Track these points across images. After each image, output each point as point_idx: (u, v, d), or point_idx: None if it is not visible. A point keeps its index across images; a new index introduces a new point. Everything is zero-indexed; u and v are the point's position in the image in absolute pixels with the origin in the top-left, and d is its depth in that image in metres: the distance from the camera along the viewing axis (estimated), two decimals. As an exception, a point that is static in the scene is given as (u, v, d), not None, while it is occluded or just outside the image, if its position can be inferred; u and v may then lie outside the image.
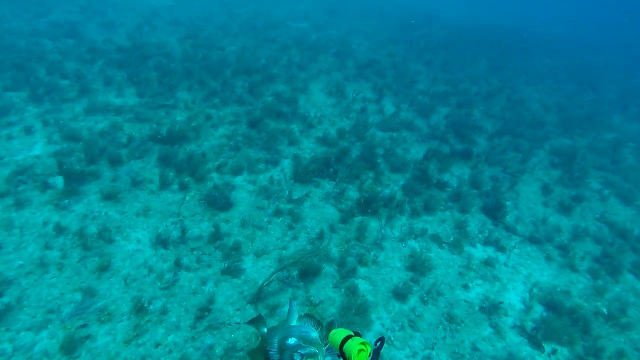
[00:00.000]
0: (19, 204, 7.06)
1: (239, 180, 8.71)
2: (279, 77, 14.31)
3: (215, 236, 7.04)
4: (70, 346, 5.05)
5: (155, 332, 5.41)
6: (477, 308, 6.58)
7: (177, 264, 6.45)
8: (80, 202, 7.40)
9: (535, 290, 7.09)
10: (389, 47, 20.76)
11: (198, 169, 8.57)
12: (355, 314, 6.07)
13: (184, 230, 7.03)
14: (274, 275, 6.35)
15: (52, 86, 11.14)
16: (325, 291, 6.43)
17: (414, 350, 5.75)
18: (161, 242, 6.80)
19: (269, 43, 18.76)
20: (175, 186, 8.17)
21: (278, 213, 7.84)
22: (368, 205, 8.21)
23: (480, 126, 12.97)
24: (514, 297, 6.94)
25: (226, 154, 9.49)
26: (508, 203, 9.26)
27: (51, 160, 8.25)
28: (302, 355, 2.46)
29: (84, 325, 5.36)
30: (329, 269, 6.81)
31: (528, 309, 6.74)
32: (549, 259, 8.01)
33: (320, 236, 7.41)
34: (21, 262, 6.09)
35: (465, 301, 6.67)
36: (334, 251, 7.15)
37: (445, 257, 7.53)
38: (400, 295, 6.51)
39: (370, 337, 5.85)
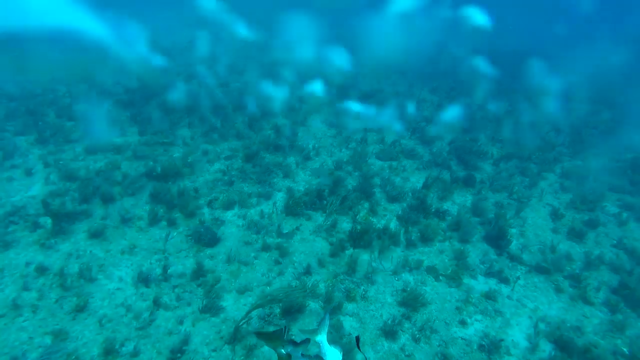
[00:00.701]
0: (6, 245, 7.09)
1: (229, 215, 8.59)
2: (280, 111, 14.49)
3: (198, 273, 6.83)
4: (33, 394, 4.81)
5: (125, 376, 5.13)
6: (475, 346, 6.01)
7: (156, 303, 6.23)
8: (67, 241, 7.40)
9: (541, 325, 6.45)
10: (394, 77, 20.93)
11: (189, 205, 8.52)
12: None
13: (165, 268, 6.85)
14: (254, 313, 6.03)
15: (57, 128, 11.59)
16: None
17: (403, 397, 5.21)
18: (143, 280, 6.63)
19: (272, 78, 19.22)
20: (164, 222, 8.10)
21: (266, 248, 7.60)
22: (361, 238, 7.88)
23: (486, 151, 12.58)
24: (517, 334, 6.33)
25: (219, 189, 9.45)
26: (513, 230, 8.73)
27: (48, 201, 8.38)
28: None
29: (49, 372, 5.14)
30: (314, 305, 6.44)
31: (534, 347, 6.11)
32: (558, 290, 7.36)
33: (307, 271, 7.09)
34: (-2, 304, 6.02)
35: (462, 339, 6.11)
36: (321, 287, 6.79)
37: (441, 290, 7.03)
38: (389, 333, 6.03)
39: (355, 381, 5.36)
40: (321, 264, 7.33)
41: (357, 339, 2.39)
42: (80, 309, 6.06)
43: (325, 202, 8.93)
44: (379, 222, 8.60)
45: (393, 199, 9.51)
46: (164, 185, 9.14)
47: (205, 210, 8.69)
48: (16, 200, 8.39)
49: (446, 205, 9.48)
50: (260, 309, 6.20)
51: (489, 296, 6.94)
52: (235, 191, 9.27)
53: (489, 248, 8.23)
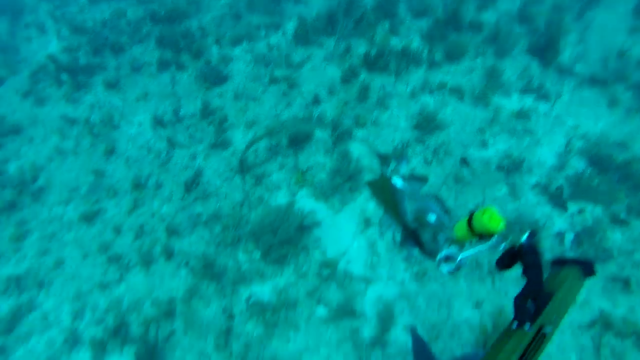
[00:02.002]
0: (41, 101, 7.66)
1: (237, 51, 8.08)
2: None
3: (207, 112, 6.92)
4: (89, 217, 5.84)
5: (151, 204, 5.92)
6: (493, 167, 5.72)
7: (171, 143, 6.62)
8: (88, 94, 7.76)
9: (578, 143, 5.80)
10: None
11: (195, 45, 8.10)
12: (346, 179, 5.77)
13: (177, 110, 7.02)
14: (262, 144, 6.20)
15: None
16: (316, 157, 6.13)
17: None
18: (159, 122, 6.95)
19: None
20: (172, 67, 7.94)
21: (273, 81, 7.27)
22: (375, 62, 7.07)
23: None
24: (546, 154, 5.82)
25: (227, 24, 8.70)
26: (570, 37, 7.14)
27: (63, 56, 8.53)
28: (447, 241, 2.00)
29: (97, 201, 6.08)
30: (321, 134, 6.37)
31: (562, 164, 5.64)
32: (612, 103, 6.29)
33: (316, 100, 6.79)
34: (47, 152, 6.87)
35: (479, 160, 5.81)
36: (329, 115, 6.57)
37: (464, 111, 6.42)
38: (400, 156, 5.91)
39: (361, 201, 5.60)
40: (331, 92, 6.92)
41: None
42: (110, 152, 6.71)
43: (338, 25, 7.86)
44: (400, 43, 7.53)
45: (420, 13, 8.04)
46: (169, 27, 8.62)
47: (214, 48, 8.24)
48: (39, 59, 8.65)
49: (486, 16, 7.82)
50: (267, 140, 6.31)
51: (521, 114, 6.22)
52: (243, 24, 8.49)
53: (531, 61, 6.98)
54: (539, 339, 1.35)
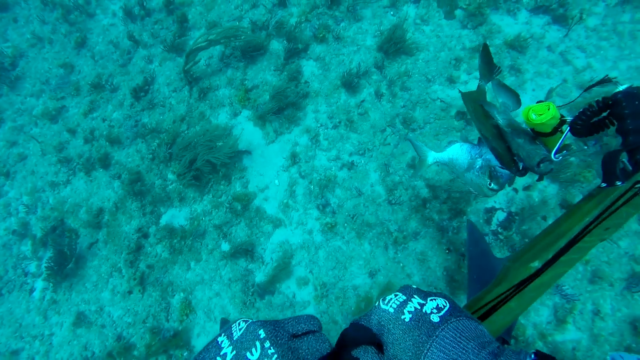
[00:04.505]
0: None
1: None
2: None
3: (171, 7, 6.19)
4: (52, 114, 6.15)
5: (105, 108, 5.95)
6: (453, 112, 4.52)
7: (135, 41, 6.23)
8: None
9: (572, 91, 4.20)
10: None
11: None
12: (288, 104, 5.07)
13: (145, 2, 6.38)
14: (215, 53, 5.56)
15: None
16: (264, 74, 5.39)
17: (340, 156, 4.72)
18: (128, 15, 6.47)
19: None
20: (150, -60, 6.93)
21: (247, -30, 6.05)
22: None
23: None
24: (526, 102, 4.37)
25: None
26: None
27: None
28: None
29: (61, 98, 6.27)
30: (277, 46, 5.44)
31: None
32: None
33: (282, 2, 5.62)
34: (28, 37, 6.97)
35: (441, 100, 4.59)
36: (292, 22, 5.47)
37: (446, 33, 4.87)
38: (350, 85, 4.92)
39: (296, 132, 4.99)
40: (304, -10, 5.63)
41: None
42: (81, 44, 6.58)
43: None
44: None
45: None
46: None
47: None
48: None
49: None
50: (222, 48, 5.60)
51: (516, 44, 4.54)
52: None
53: None
54: (633, 194, 1.19)
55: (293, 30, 5.26)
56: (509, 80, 4.53)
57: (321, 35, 5.22)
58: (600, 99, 1.37)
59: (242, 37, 5.42)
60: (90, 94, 6.11)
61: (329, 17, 5.36)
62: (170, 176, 5.20)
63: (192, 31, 6.05)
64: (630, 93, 1.29)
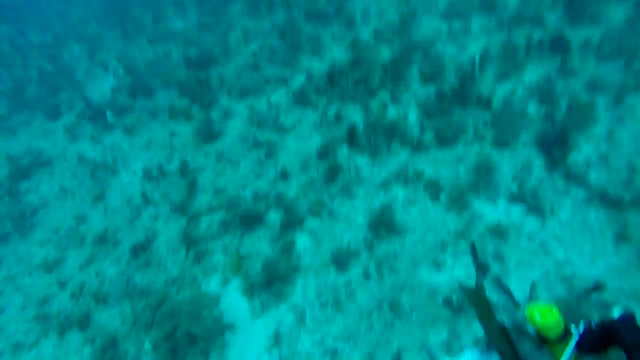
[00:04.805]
0: (74, 138, 8.65)
1: (241, 106, 7.95)
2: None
3: (187, 171, 6.90)
4: (50, 265, 6.27)
5: (102, 263, 6.07)
6: (440, 300, 4.42)
7: (146, 199, 6.74)
8: (110, 135, 8.45)
9: (557, 287, 4.14)
10: None
11: (208, 96, 8.25)
12: (278, 277, 5.09)
13: (167, 164, 7.16)
14: (217, 217, 5.91)
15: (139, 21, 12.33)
16: (260, 243, 5.57)
17: (324, 340, 4.48)
18: (147, 175, 7.17)
19: None
20: (182, 117, 8.18)
21: (257, 145, 6.91)
22: (362, 136, 6.20)
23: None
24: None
25: (245, 75, 8.67)
26: (596, 129, 5.22)
27: (108, 97, 9.53)
28: None
29: (65, 248, 6.49)
30: (274, 217, 5.78)
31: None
32: (621, 238, 4.40)
33: (284, 175, 6.21)
34: (57, 189, 7.64)
35: (428, 286, 4.55)
36: (290, 195, 5.93)
37: (433, 215, 5.15)
38: (340, 262, 4.99)
39: (282, 309, 4.86)
40: (304, 167, 6.27)
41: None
42: (99, 198, 7.15)
43: (338, 88, 7.14)
44: (397, 112, 6.48)
45: (429, 78, 6.81)
46: (194, 74, 8.96)
47: (224, 100, 8.26)
48: (94, 96, 9.81)
49: (504, 88, 6.22)
50: (224, 214, 5.97)
51: (498, 230, 4.73)
52: (257, 77, 8.35)
53: (536, 157, 5.30)
54: None
55: (290, 204, 5.66)
56: (494, 268, 4.55)
57: (316, 210, 5.57)
58: (599, 322, 1.52)
59: (243, 206, 5.83)
60: (93, 246, 6.34)
61: (325, 193, 5.82)
62: (147, 345, 4.93)
63: (200, 194, 6.56)
64: (625, 321, 1.41)
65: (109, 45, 11.76)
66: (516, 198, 4.99)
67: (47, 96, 10.30)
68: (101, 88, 10.12)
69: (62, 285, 5.89)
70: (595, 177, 4.86)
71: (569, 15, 6.92)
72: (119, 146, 8.11)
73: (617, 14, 6.63)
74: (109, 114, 8.84)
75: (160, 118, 8.41)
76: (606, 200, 4.65)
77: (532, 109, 5.79)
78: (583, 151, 5.10)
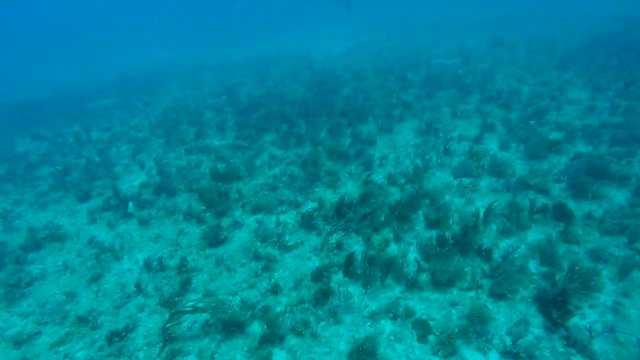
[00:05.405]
0: (94, 221, 9.34)
1: (251, 219, 8.70)
2: (374, 116, 13.62)
3: (184, 269, 7.24)
4: (20, 341, 6.21)
5: (74, 345, 5.99)
6: None
7: (139, 289, 6.95)
8: (124, 224, 9.12)
9: None
10: (551, 73, 16.49)
11: (222, 206, 9.10)
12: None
13: (169, 259, 7.56)
14: (201, 319, 5.97)
15: (183, 134, 14.38)
16: (235, 353, 5.52)
17: None
18: (147, 266, 7.52)
19: (391, 82, 18.18)
20: (194, 220, 8.91)
21: (257, 257, 7.36)
22: (358, 267, 6.64)
23: (629, 175, 8.35)
24: None
25: (261, 193, 9.68)
26: (601, 297, 5.55)
27: (135, 190, 10.58)
28: None
29: (44, 323, 6.49)
30: (257, 328, 5.84)
31: None
32: None
33: (275, 290, 6.46)
34: (59, 264, 7.97)
35: None
36: (276, 310, 6.08)
37: (418, 356, 5.15)
38: None
39: None
40: (296, 286, 6.56)
41: None
42: (95, 279, 7.39)
43: (343, 220, 7.91)
44: (397, 250, 7.02)
45: (432, 224, 7.56)
46: (216, 185, 10.04)
47: (238, 211, 9.07)
48: (123, 188, 10.90)
49: (505, 244, 6.84)
50: (208, 316, 6.06)
51: None
52: (273, 197, 9.31)
53: (535, 314, 5.50)
54: None
55: (275, 318, 5.78)
56: None
57: (299, 330, 5.65)
58: None
59: (228, 312, 5.97)
60: (71, 326, 6.33)
61: (311, 313, 5.96)
62: None
63: (191, 293, 6.75)
64: None
65: (152, 149, 13.48)
66: (507, 353, 5.01)
67: (85, 182, 11.49)
68: (132, 182, 11.28)
69: (26, 361, 5.74)
70: (600, 347, 4.92)
71: (572, 191, 7.95)
72: (130, 234, 8.68)
73: (618, 197, 7.62)
74: (131, 204, 9.69)
75: (175, 217, 9.16)
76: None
77: (533, 267, 6.25)
78: (588, 317, 5.30)
